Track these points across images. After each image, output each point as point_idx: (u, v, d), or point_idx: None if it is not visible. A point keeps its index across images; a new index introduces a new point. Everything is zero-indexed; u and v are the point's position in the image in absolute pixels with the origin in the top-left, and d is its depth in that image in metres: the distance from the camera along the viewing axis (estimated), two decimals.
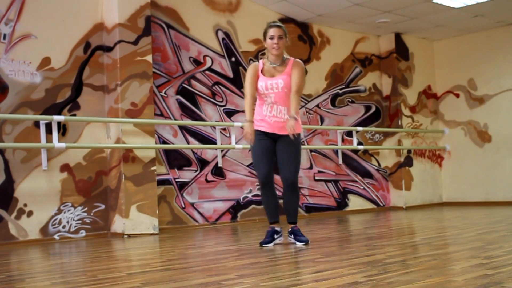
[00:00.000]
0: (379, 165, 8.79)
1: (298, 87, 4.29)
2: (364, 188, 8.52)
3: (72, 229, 5.72)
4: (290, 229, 4.45)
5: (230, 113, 7.08)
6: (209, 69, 6.96)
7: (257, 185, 4.41)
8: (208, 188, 6.76)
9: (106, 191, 6.00)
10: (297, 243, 4.35)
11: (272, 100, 4.32)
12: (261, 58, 4.55)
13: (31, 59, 5.62)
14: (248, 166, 7.06)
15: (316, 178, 7.92)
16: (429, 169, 9.22)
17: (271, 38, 4.29)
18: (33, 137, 5.54)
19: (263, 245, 4.35)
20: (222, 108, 7.00)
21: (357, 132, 8.36)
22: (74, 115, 5.84)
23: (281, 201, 4.47)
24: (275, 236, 4.43)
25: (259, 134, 4.35)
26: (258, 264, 3.39)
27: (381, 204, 8.74)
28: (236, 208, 6.98)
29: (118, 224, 5.85)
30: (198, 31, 6.88)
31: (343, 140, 8.27)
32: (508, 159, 8.66)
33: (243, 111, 7.18)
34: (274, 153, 4.38)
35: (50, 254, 4.67)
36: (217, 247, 4.48)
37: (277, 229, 4.45)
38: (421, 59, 9.31)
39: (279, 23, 4.36)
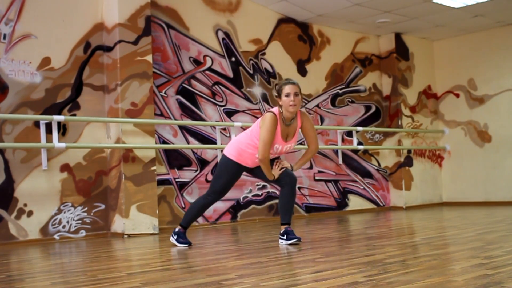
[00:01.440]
0: (379, 165, 8.79)
1: (316, 145, 4.51)
2: (364, 188, 8.52)
3: (72, 229, 5.72)
4: (283, 230, 4.41)
5: (230, 113, 7.07)
6: (209, 69, 6.96)
7: (208, 192, 4.64)
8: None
9: (106, 191, 6.00)
10: (289, 241, 4.33)
11: (276, 156, 4.51)
12: (274, 106, 4.58)
13: (31, 59, 5.62)
14: None
15: (316, 178, 7.92)
16: (429, 169, 9.22)
17: (287, 96, 4.28)
18: (33, 137, 5.54)
19: (186, 245, 4.56)
20: (222, 108, 7.00)
21: (357, 132, 8.36)
22: (74, 115, 5.84)
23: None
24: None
25: (239, 167, 4.49)
26: (258, 264, 3.39)
27: (381, 204, 8.74)
28: (236, 208, 6.98)
29: (118, 224, 5.85)
30: (198, 31, 6.88)
31: (343, 140, 8.27)
32: (508, 159, 8.66)
33: (243, 111, 7.18)
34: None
35: (50, 254, 4.67)
36: (217, 247, 4.48)
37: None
38: (421, 59, 9.31)
39: (294, 80, 4.40)
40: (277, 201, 7.11)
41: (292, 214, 4.47)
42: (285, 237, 4.38)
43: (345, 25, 8.30)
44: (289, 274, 3.03)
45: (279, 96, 4.34)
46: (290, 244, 4.31)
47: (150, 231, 5.94)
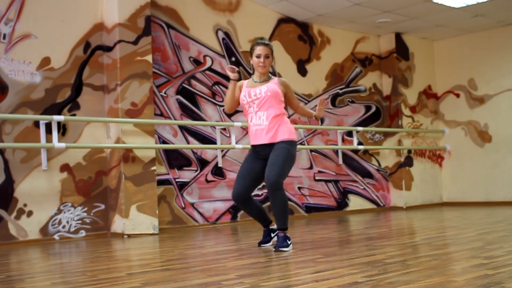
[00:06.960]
0: (379, 165, 8.79)
1: (296, 106, 4.53)
2: (364, 188, 8.52)
3: (72, 229, 5.72)
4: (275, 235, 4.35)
5: (230, 113, 7.06)
6: (209, 69, 6.96)
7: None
8: (208, 188, 6.76)
9: (106, 191, 6.00)
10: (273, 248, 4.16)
11: (254, 108, 4.33)
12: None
13: (31, 59, 5.62)
14: None
15: (316, 178, 7.92)
16: (429, 169, 9.22)
17: (258, 57, 4.27)
18: (33, 137, 5.54)
19: (261, 245, 4.33)
20: (222, 108, 7.00)
21: (357, 132, 8.36)
22: (74, 115, 5.84)
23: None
24: (272, 235, 4.39)
25: (254, 151, 4.35)
26: (258, 264, 3.39)
27: (381, 204, 8.74)
28: (236, 208, 6.97)
29: (118, 224, 5.84)
30: (198, 31, 6.88)
31: (343, 140, 8.26)
32: (508, 159, 8.66)
33: (242, 111, 7.16)
34: (259, 174, 4.29)
35: (50, 254, 4.67)
36: (217, 247, 4.48)
37: (273, 227, 4.40)
38: (421, 59, 9.31)
39: (266, 41, 4.32)
40: None
41: (282, 217, 4.13)
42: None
43: (345, 25, 8.30)
44: (289, 274, 3.03)
45: (251, 55, 4.35)
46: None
47: (150, 231, 5.94)
